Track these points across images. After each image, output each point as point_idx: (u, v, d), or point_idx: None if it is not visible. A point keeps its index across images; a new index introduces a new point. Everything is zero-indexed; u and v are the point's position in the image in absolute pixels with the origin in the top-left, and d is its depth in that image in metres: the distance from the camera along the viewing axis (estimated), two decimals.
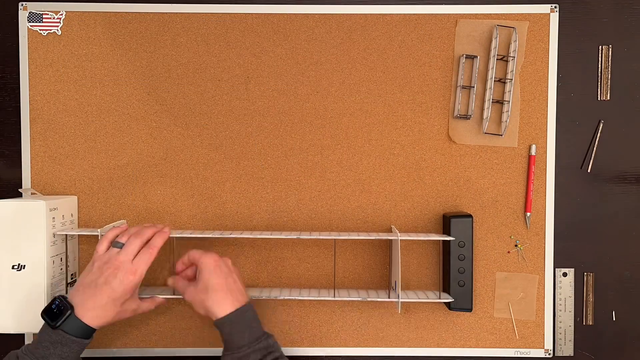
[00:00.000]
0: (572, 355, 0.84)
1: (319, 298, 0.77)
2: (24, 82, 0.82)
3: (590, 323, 0.84)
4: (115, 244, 0.71)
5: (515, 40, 0.80)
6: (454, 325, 0.84)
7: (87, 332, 0.67)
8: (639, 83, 0.83)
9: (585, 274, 0.84)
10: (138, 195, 0.83)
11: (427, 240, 0.80)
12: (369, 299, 0.77)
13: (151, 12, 0.82)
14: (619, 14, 0.83)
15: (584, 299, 0.84)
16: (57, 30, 0.82)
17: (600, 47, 0.83)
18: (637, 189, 0.84)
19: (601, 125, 0.81)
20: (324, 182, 0.83)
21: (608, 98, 0.83)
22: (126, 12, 0.82)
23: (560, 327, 0.84)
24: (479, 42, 0.82)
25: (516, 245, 0.83)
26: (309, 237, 0.76)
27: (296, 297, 0.77)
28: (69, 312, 0.66)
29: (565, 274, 0.84)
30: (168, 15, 0.82)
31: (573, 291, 0.84)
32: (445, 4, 0.82)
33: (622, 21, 0.83)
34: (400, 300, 0.75)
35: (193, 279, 0.73)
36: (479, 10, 0.82)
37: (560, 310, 0.84)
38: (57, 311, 0.66)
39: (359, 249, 0.83)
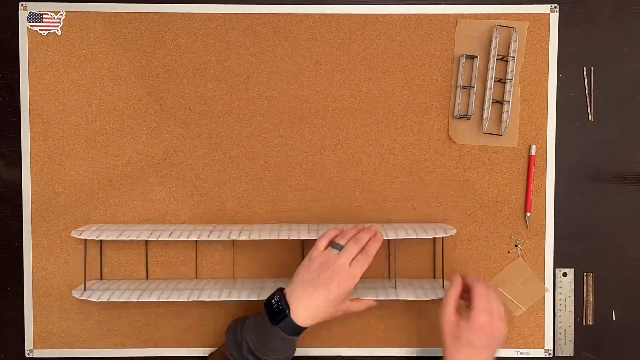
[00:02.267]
0: (572, 355, 0.84)
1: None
2: (24, 82, 0.82)
3: (590, 323, 0.84)
4: (335, 245, 0.72)
5: (515, 40, 0.80)
6: None
7: (298, 331, 0.70)
8: (638, 82, 0.83)
9: (585, 274, 0.84)
10: (138, 195, 0.83)
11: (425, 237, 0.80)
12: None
13: (151, 12, 0.82)
14: (619, 14, 0.83)
15: (584, 299, 0.84)
16: (57, 30, 0.82)
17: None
18: (637, 189, 0.84)
19: (592, 71, 0.81)
20: (324, 182, 0.83)
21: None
22: (126, 12, 0.82)
23: (560, 327, 0.84)
24: (479, 42, 0.82)
25: (516, 245, 0.83)
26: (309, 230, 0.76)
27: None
28: (286, 312, 0.69)
29: (565, 274, 0.84)
30: (168, 15, 0.82)
31: (573, 291, 0.84)
32: (445, 4, 0.82)
33: (622, 21, 0.83)
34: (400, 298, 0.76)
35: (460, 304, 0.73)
36: (479, 10, 0.82)
37: (560, 310, 0.84)
38: (276, 308, 0.69)
39: None
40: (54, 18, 0.82)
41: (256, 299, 0.76)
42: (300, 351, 0.84)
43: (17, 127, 0.83)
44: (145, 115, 0.83)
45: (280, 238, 0.76)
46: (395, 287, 0.78)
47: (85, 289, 0.79)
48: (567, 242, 0.84)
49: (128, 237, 0.76)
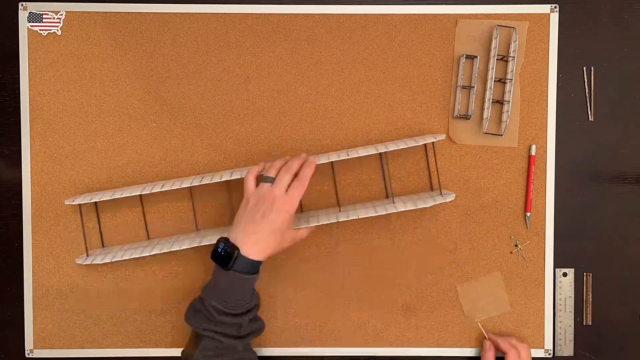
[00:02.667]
0: (572, 355, 0.84)
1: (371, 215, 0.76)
2: (24, 82, 0.82)
3: (590, 323, 0.84)
4: (265, 179, 0.72)
5: (515, 40, 0.80)
6: (454, 325, 0.84)
7: (256, 267, 0.71)
8: (638, 82, 0.83)
9: (585, 274, 0.84)
10: (138, 195, 0.83)
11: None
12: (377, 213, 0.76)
13: (151, 12, 0.82)
14: (619, 14, 0.83)
15: (584, 299, 0.84)
16: (57, 30, 0.82)
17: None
18: (637, 189, 0.84)
19: (592, 71, 0.82)
20: (324, 182, 0.83)
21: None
22: (126, 12, 0.82)
23: (560, 327, 0.84)
24: (479, 42, 0.82)
25: (516, 245, 0.83)
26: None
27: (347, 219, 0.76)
28: (235, 252, 0.69)
29: (565, 274, 0.84)
30: (168, 15, 0.82)
31: (573, 291, 0.84)
32: (445, 4, 0.82)
33: (622, 21, 0.83)
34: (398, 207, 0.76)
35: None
36: (479, 10, 0.82)
37: (560, 310, 0.84)
38: (224, 254, 0.69)
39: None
40: (54, 18, 0.82)
41: None
42: (300, 351, 0.84)
43: (17, 127, 0.83)
44: (145, 115, 0.83)
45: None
46: (393, 202, 0.78)
47: (87, 255, 0.80)
48: (567, 242, 0.84)
49: (122, 194, 0.77)
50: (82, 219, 0.81)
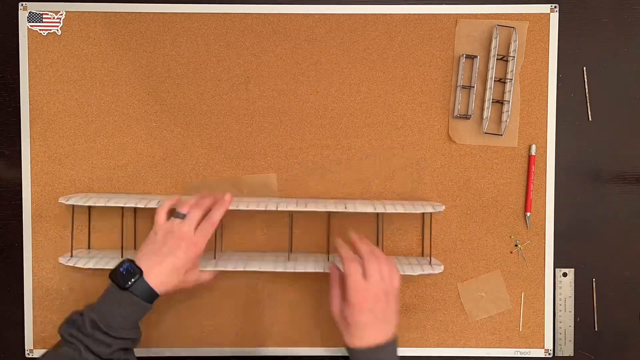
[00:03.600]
0: (572, 355, 0.84)
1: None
2: (24, 82, 0.82)
3: (590, 323, 0.84)
4: (176, 214, 0.72)
5: (515, 40, 0.80)
6: (454, 325, 0.84)
7: (152, 297, 0.68)
8: (638, 82, 0.83)
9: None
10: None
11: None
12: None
13: (151, 12, 0.82)
14: (619, 14, 0.83)
15: (594, 304, 0.84)
16: (57, 30, 0.82)
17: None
18: (637, 189, 0.84)
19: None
20: (324, 183, 0.83)
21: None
22: (126, 12, 0.82)
23: (560, 327, 0.84)
24: (479, 42, 0.82)
25: (516, 245, 0.83)
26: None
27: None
28: (138, 275, 0.67)
29: (565, 274, 0.84)
30: (168, 15, 0.82)
31: (573, 291, 0.84)
32: (445, 4, 0.82)
33: (622, 21, 0.83)
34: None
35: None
36: (479, 10, 0.82)
37: (560, 310, 0.84)
38: (126, 273, 0.68)
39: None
40: (54, 18, 0.82)
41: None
42: (300, 351, 0.84)
43: (17, 127, 0.83)
44: (145, 115, 0.83)
45: (270, 209, 0.76)
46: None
47: (72, 256, 0.79)
48: (567, 242, 0.84)
49: (116, 203, 0.76)
50: (72, 219, 0.81)
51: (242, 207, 0.75)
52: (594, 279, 0.84)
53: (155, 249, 0.70)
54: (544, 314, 0.84)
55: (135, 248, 0.82)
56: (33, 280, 0.83)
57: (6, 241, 0.84)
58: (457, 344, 0.84)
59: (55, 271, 0.83)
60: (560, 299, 0.84)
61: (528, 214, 0.83)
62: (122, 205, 0.76)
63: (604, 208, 0.84)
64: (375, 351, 0.66)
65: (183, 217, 0.71)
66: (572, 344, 0.84)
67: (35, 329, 0.83)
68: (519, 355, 0.84)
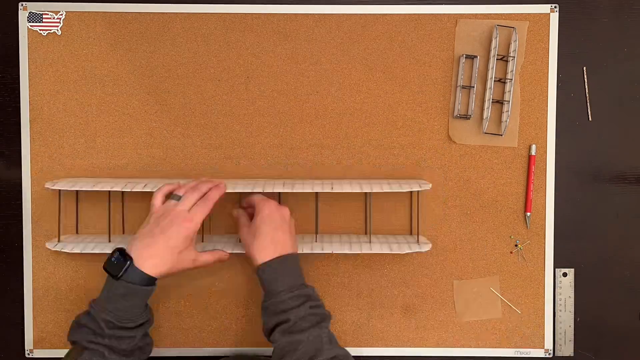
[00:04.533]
0: (572, 355, 0.84)
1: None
2: (24, 82, 0.82)
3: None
4: (172, 196, 0.72)
5: (515, 40, 0.80)
6: (454, 325, 0.84)
7: (150, 281, 0.68)
8: (638, 82, 0.83)
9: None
10: (138, 195, 0.83)
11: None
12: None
13: (151, 12, 0.82)
14: (619, 14, 0.83)
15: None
16: (57, 30, 0.82)
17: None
18: (637, 189, 0.84)
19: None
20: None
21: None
22: (126, 12, 0.82)
23: (560, 327, 0.84)
24: (479, 42, 0.82)
25: (516, 245, 0.83)
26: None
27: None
28: (127, 263, 0.67)
29: (565, 274, 0.84)
30: (168, 15, 0.82)
31: (573, 291, 0.84)
32: (445, 4, 0.82)
33: (622, 21, 0.83)
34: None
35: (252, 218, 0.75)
36: (479, 10, 0.82)
37: (560, 310, 0.84)
38: (117, 263, 0.67)
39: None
40: (54, 18, 0.82)
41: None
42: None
43: (17, 127, 0.83)
44: (145, 115, 0.83)
45: (260, 189, 0.77)
46: (369, 242, 0.78)
47: (59, 241, 0.79)
48: (567, 242, 0.84)
49: (102, 188, 0.76)
50: (59, 204, 0.80)
51: (229, 190, 0.75)
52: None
53: (148, 230, 0.69)
54: (544, 314, 0.84)
55: (123, 233, 0.82)
56: (33, 280, 0.83)
57: (6, 241, 0.84)
58: (457, 344, 0.84)
59: (55, 271, 0.83)
60: (560, 299, 0.84)
61: (528, 214, 0.83)
62: (108, 189, 0.76)
63: (604, 208, 0.84)
64: (282, 259, 0.71)
65: (179, 199, 0.71)
66: (572, 344, 0.84)
67: (35, 329, 0.83)
68: (518, 355, 0.84)
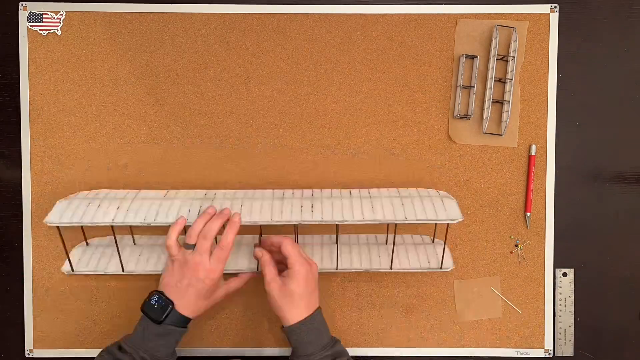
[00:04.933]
0: (572, 355, 0.84)
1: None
2: (24, 82, 0.82)
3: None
4: (186, 247, 0.72)
5: (515, 40, 0.80)
6: (454, 325, 0.84)
7: (186, 322, 0.72)
8: (638, 82, 0.83)
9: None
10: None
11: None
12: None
13: (151, 12, 0.82)
14: (619, 14, 0.83)
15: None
16: (57, 30, 0.82)
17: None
18: (637, 189, 0.84)
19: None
20: (324, 183, 0.83)
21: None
22: (126, 12, 0.82)
23: (560, 327, 0.84)
24: (479, 42, 0.82)
25: (516, 245, 0.83)
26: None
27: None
28: (170, 307, 0.70)
29: (565, 274, 0.84)
30: (168, 15, 0.82)
31: (573, 291, 0.84)
32: (445, 4, 0.82)
33: (622, 21, 0.83)
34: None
35: (277, 264, 0.75)
36: (479, 10, 0.82)
37: (560, 310, 0.84)
38: (157, 307, 0.70)
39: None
40: (54, 18, 0.82)
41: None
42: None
43: (17, 127, 0.83)
44: (145, 115, 0.83)
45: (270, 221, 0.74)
46: (390, 267, 0.78)
47: (72, 269, 0.79)
48: (567, 242, 0.84)
49: (104, 219, 0.73)
50: (61, 236, 0.78)
51: (244, 220, 0.73)
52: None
53: (176, 281, 0.71)
54: (544, 314, 0.84)
55: (134, 244, 0.82)
56: (33, 280, 0.83)
57: (6, 241, 0.84)
58: (457, 344, 0.84)
59: (55, 271, 0.83)
60: (560, 299, 0.84)
61: (528, 214, 0.83)
62: (109, 223, 0.73)
63: (604, 208, 0.84)
64: (311, 319, 0.72)
65: (193, 247, 0.72)
66: (572, 344, 0.84)
67: (35, 329, 0.83)
68: (518, 355, 0.84)
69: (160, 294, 0.71)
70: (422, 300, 0.84)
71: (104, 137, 0.83)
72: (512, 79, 0.81)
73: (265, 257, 0.74)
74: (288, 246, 0.73)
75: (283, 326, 0.72)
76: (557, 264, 0.84)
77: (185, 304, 0.71)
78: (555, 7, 0.82)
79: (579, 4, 0.83)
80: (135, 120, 0.83)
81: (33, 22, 0.82)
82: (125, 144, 0.83)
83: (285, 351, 0.84)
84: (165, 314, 0.70)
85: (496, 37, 0.80)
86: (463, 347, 0.84)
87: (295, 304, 0.71)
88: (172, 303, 0.70)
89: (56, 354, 0.84)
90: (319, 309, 0.73)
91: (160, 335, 0.70)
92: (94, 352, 0.83)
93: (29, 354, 0.83)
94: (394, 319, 0.84)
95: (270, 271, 0.73)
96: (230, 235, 0.72)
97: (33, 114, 0.82)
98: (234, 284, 0.76)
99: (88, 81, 0.82)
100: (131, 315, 0.83)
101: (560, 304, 0.84)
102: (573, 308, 0.84)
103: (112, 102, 0.83)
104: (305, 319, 0.71)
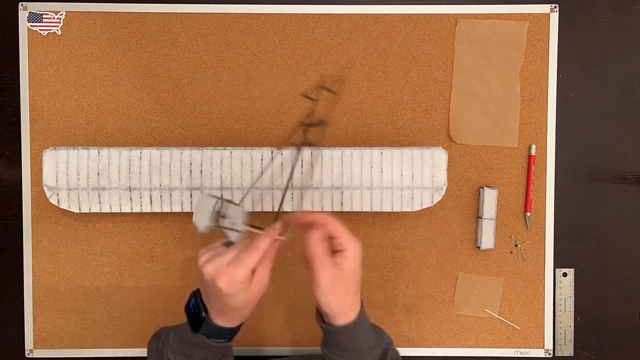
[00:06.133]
0: (572, 355, 0.84)
1: None
2: (24, 82, 0.82)
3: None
4: (227, 243, 0.61)
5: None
6: (454, 325, 0.84)
7: (228, 333, 0.62)
8: (638, 82, 0.83)
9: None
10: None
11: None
12: None
13: (151, 12, 0.82)
14: (619, 14, 0.83)
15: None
16: (57, 30, 0.82)
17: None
18: (637, 189, 0.84)
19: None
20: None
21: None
22: (126, 12, 0.82)
23: (560, 327, 0.84)
24: (479, 42, 0.82)
25: (516, 245, 0.83)
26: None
27: None
28: (203, 317, 0.61)
29: (565, 274, 0.84)
30: (168, 15, 0.82)
31: (573, 291, 0.84)
32: (445, 4, 0.82)
33: (622, 21, 0.83)
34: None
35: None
36: (479, 10, 0.82)
37: (560, 310, 0.84)
38: (193, 312, 0.62)
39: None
40: (54, 18, 0.82)
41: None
42: (300, 351, 0.84)
43: (17, 127, 0.83)
44: (145, 115, 0.83)
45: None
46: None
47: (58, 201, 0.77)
48: (567, 242, 0.84)
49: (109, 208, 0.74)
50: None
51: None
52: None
53: (213, 300, 0.60)
54: (544, 314, 0.84)
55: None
56: (33, 280, 0.83)
57: (6, 241, 0.84)
58: (457, 344, 0.84)
59: (55, 271, 0.83)
60: (560, 299, 0.84)
61: (528, 214, 0.83)
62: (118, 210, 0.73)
63: (604, 208, 0.84)
64: (364, 317, 0.63)
65: (230, 244, 0.60)
66: (572, 344, 0.84)
67: (35, 329, 0.83)
68: (518, 355, 0.84)
69: (198, 297, 0.62)
70: (422, 300, 0.84)
71: (104, 137, 0.83)
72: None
73: (315, 242, 0.59)
74: (340, 227, 0.60)
75: (324, 322, 0.62)
76: (557, 264, 0.84)
77: (225, 321, 0.61)
78: (555, 7, 0.82)
79: (579, 4, 0.83)
80: (135, 120, 0.83)
81: (33, 22, 0.82)
82: (125, 144, 0.83)
83: (285, 351, 0.84)
84: (200, 324, 0.61)
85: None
86: (463, 347, 0.84)
87: (352, 298, 0.60)
88: (205, 311, 0.61)
89: (56, 354, 0.84)
90: (362, 301, 0.64)
91: (196, 345, 0.61)
92: (94, 352, 0.83)
93: (28, 354, 0.83)
94: (394, 319, 0.84)
95: (318, 253, 0.59)
96: (272, 251, 0.61)
97: (33, 114, 0.82)
98: (262, 277, 0.60)
99: (88, 81, 0.82)
100: (131, 315, 0.83)
101: (560, 304, 0.84)
102: (573, 308, 0.84)
103: (112, 102, 0.83)
104: (357, 319, 0.61)
